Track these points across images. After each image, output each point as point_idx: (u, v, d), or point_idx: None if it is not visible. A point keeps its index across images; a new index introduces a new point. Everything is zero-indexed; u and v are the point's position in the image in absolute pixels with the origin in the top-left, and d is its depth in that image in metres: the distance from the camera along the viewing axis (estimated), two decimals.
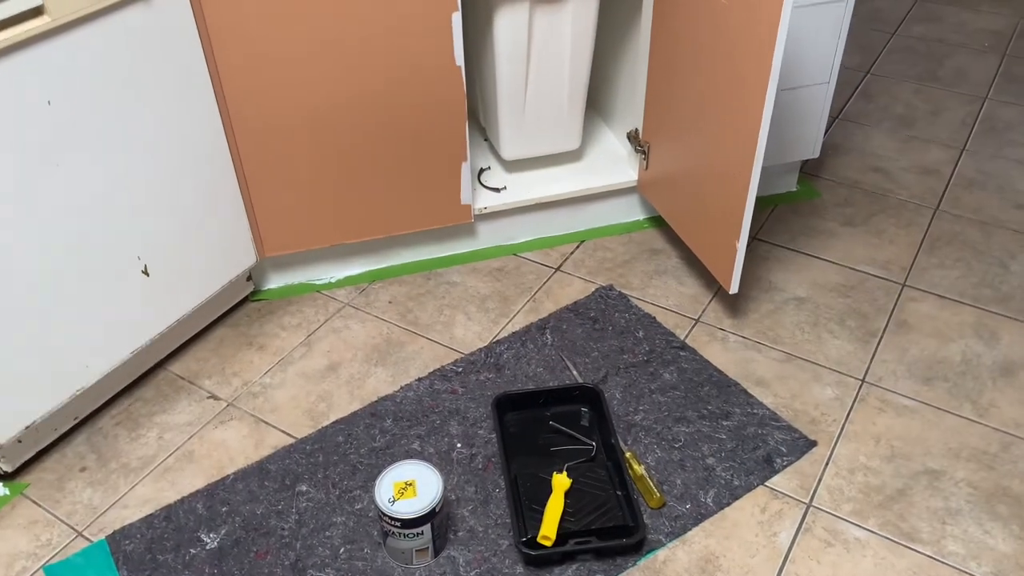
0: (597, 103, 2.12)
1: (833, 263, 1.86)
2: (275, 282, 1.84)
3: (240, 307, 1.79)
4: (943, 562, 1.31)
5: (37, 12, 1.21)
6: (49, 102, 1.26)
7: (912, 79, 2.50)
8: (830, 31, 1.75)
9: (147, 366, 1.64)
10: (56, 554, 1.35)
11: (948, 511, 1.38)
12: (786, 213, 2.01)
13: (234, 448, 1.50)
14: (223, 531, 1.36)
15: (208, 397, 1.60)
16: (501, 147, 1.87)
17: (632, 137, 1.89)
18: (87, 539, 1.37)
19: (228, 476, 1.45)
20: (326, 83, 1.56)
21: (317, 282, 1.85)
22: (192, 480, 1.45)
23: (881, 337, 1.69)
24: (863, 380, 1.60)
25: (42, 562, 1.34)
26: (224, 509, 1.40)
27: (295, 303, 1.80)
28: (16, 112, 1.23)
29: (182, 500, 1.41)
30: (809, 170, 2.13)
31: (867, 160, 2.17)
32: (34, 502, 1.43)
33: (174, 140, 1.47)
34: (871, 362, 1.63)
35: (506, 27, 1.68)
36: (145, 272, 1.50)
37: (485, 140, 2.04)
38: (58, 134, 1.29)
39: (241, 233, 1.66)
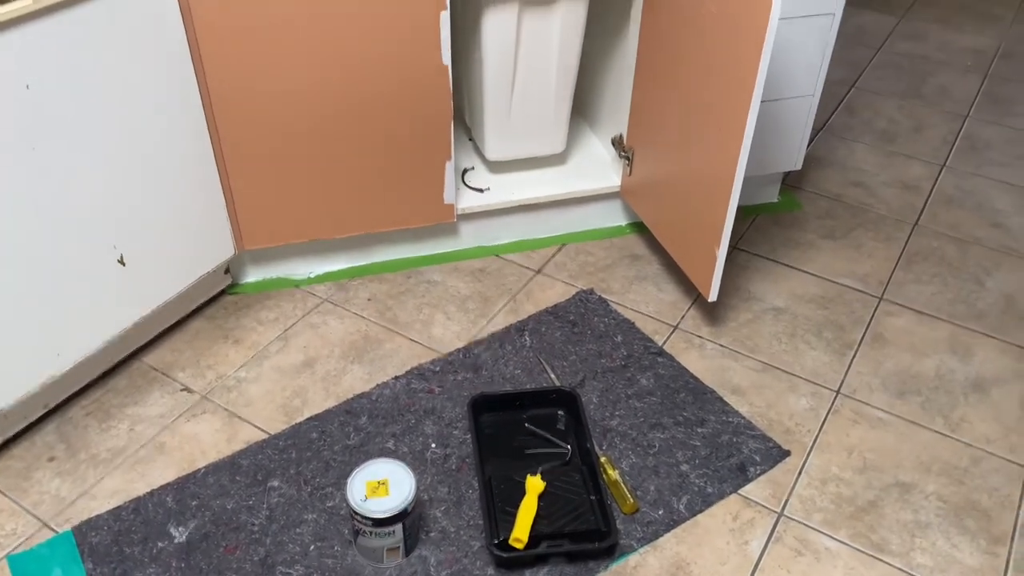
0: (583, 108, 2.12)
1: (812, 275, 1.87)
2: (253, 276, 1.82)
3: (217, 300, 1.77)
4: (911, 574, 1.32)
5: None
6: (27, 86, 1.25)
7: (896, 95, 2.52)
8: (816, 44, 1.76)
9: (120, 356, 1.62)
10: (21, 544, 1.33)
11: (918, 524, 1.39)
12: (767, 224, 2.02)
13: (206, 442, 1.49)
14: (192, 525, 1.35)
15: (181, 389, 1.58)
16: (486, 148, 1.87)
17: (616, 142, 1.89)
18: (53, 530, 1.35)
19: (199, 470, 1.43)
20: (311, 77, 1.55)
21: (296, 277, 1.84)
22: (162, 473, 1.43)
23: (857, 350, 1.70)
24: (838, 392, 1.61)
25: (6, 552, 1.32)
26: (194, 503, 1.38)
27: (273, 297, 1.79)
28: None
29: (151, 493, 1.40)
30: (791, 182, 2.15)
31: (849, 174, 2.19)
32: (0, 491, 1.41)
33: (154, 129, 1.45)
34: (846, 374, 1.64)
35: (494, 28, 1.67)
36: (121, 261, 1.48)
37: (470, 140, 2.04)
38: (35, 118, 1.27)
39: (220, 225, 1.65)
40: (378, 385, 1.59)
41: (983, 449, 1.51)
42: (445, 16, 1.55)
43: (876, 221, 2.03)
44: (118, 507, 1.37)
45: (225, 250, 1.68)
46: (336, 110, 1.60)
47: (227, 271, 1.78)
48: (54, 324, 1.41)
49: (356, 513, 1.25)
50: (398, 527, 1.26)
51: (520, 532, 1.31)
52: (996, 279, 1.88)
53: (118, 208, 1.44)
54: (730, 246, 1.94)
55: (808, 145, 1.94)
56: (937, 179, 2.18)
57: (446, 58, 1.60)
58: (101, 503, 1.39)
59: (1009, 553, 1.35)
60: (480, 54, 1.72)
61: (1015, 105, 2.49)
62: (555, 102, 1.82)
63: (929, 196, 2.12)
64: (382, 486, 1.27)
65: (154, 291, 1.57)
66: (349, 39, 1.53)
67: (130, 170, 1.44)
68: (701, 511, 1.39)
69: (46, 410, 1.52)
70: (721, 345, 1.70)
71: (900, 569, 1.33)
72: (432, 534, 1.35)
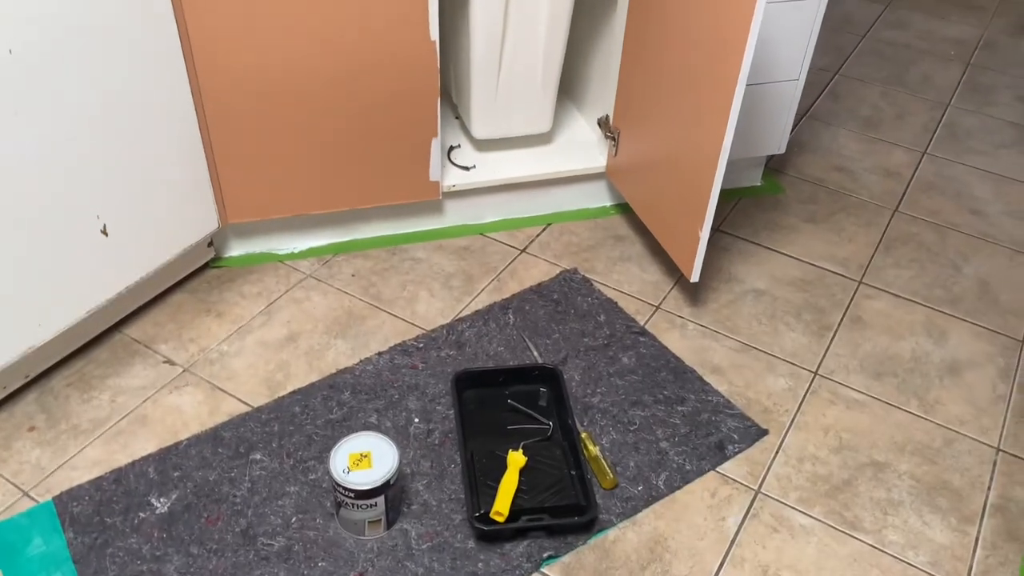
0: (569, 89, 2.12)
1: (793, 258, 1.89)
2: (237, 250, 1.82)
3: (200, 273, 1.77)
4: (883, 551, 1.35)
5: None
6: (10, 51, 1.23)
7: (879, 82, 2.54)
8: (802, 28, 1.77)
9: (102, 328, 1.61)
10: (1, 513, 1.33)
11: (890, 502, 1.42)
12: (749, 207, 2.04)
13: (188, 414, 1.49)
14: (174, 496, 1.35)
15: (164, 362, 1.58)
16: (472, 126, 1.87)
17: (603, 123, 1.90)
18: (33, 499, 1.35)
19: (181, 442, 1.43)
20: (298, 49, 1.54)
21: (279, 252, 1.83)
22: (144, 444, 1.43)
23: (835, 332, 1.72)
24: (816, 373, 1.63)
25: None
26: (176, 474, 1.38)
27: (256, 272, 1.78)
28: None
29: (133, 464, 1.40)
30: (774, 166, 2.17)
31: (831, 159, 2.21)
32: None
33: (139, 98, 1.44)
34: (824, 355, 1.67)
35: (483, 5, 1.67)
36: (104, 232, 1.47)
37: (456, 118, 2.04)
38: (17, 84, 1.26)
39: (204, 198, 1.64)
40: (361, 360, 1.59)
41: (956, 430, 1.54)
42: None
43: (857, 206, 2.06)
44: (99, 477, 1.37)
45: (209, 223, 1.67)
46: (322, 85, 1.59)
47: (210, 244, 1.77)
48: (36, 294, 1.40)
49: (339, 485, 1.26)
50: (380, 499, 1.27)
51: (501, 506, 1.32)
52: (973, 265, 1.91)
53: (102, 178, 1.43)
54: (713, 228, 1.95)
55: (792, 130, 1.96)
56: (918, 166, 2.21)
57: (434, 33, 1.60)
58: (82, 473, 1.38)
59: (978, 532, 1.38)
60: (468, 30, 1.72)
61: (995, 95, 2.52)
62: (542, 81, 1.82)
63: (910, 182, 2.15)
64: (365, 458, 1.28)
65: (137, 263, 1.56)
66: (336, 12, 1.52)
67: (114, 140, 1.43)
68: (679, 487, 1.41)
69: (27, 380, 1.51)
70: (702, 325, 1.71)
71: (872, 546, 1.35)
72: (414, 507, 1.36)
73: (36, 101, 1.29)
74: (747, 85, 1.81)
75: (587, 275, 1.81)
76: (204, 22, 1.46)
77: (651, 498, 1.39)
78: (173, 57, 1.46)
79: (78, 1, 1.29)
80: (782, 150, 1.97)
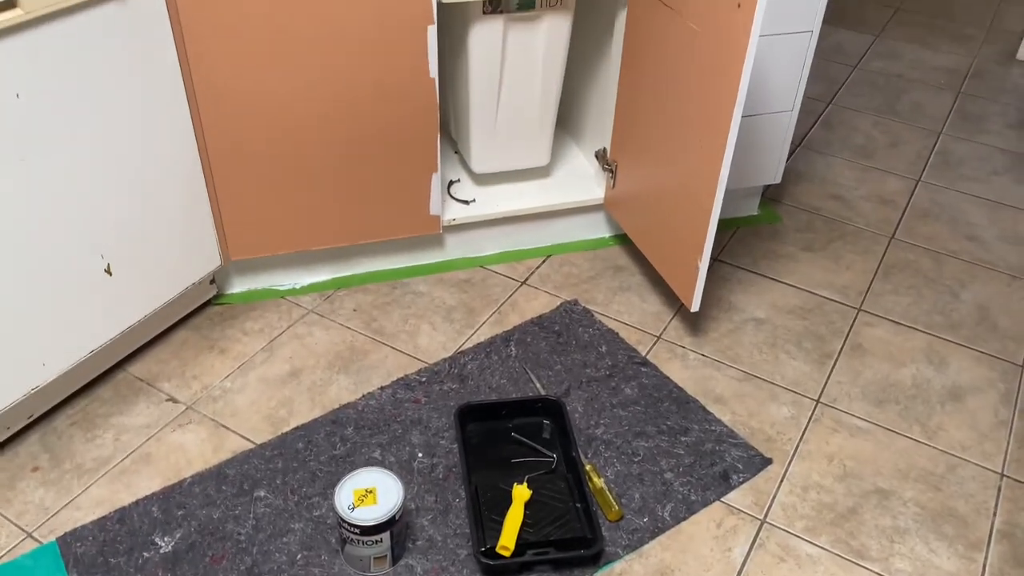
0: (567, 122, 2.15)
1: (792, 286, 1.91)
2: (239, 286, 1.83)
3: (202, 310, 1.77)
4: None
5: (10, 5, 1.20)
6: (18, 95, 1.25)
7: (871, 111, 2.57)
8: (794, 60, 1.80)
9: (106, 366, 1.61)
10: (4, 555, 1.32)
11: (896, 530, 1.42)
12: (747, 236, 2.05)
13: (192, 452, 1.48)
14: (178, 535, 1.35)
15: (167, 400, 1.58)
16: (471, 160, 1.89)
17: (600, 156, 1.92)
18: (37, 540, 1.34)
19: (185, 480, 1.43)
20: (299, 88, 1.56)
21: (281, 288, 1.84)
22: (148, 483, 1.43)
23: (836, 359, 1.73)
24: (818, 401, 1.64)
25: None
26: (180, 513, 1.38)
27: (258, 308, 1.79)
28: None
29: (137, 503, 1.39)
30: (771, 195, 2.19)
31: (827, 188, 2.23)
32: None
33: (143, 139, 1.46)
34: (826, 383, 1.67)
35: (480, 42, 1.70)
36: (108, 271, 1.48)
37: (456, 152, 2.06)
38: (25, 128, 1.28)
39: (207, 236, 1.65)
40: (364, 395, 1.60)
41: (959, 456, 1.54)
42: (432, 30, 1.57)
43: (854, 234, 2.07)
44: (103, 517, 1.37)
45: (211, 261, 1.68)
46: (323, 122, 1.62)
47: (212, 281, 1.78)
48: (40, 334, 1.41)
49: (344, 521, 1.25)
50: (385, 535, 1.27)
51: (507, 540, 1.32)
52: (971, 291, 1.92)
53: (106, 218, 1.45)
54: (712, 258, 1.97)
55: (787, 159, 1.98)
56: (913, 193, 2.23)
57: (433, 71, 1.62)
58: (86, 513, 1.38)
59: (985, 558, 1.38)
60: (466, 68, 1.74)
61: (986, 122, 2.55)
62: (540, 116, 1.85)
63: (905, 210, 2.17)
64: (370, 494, 1.28)
65: (140, 301, 1.57)
66: (337, 52, 1.55)
67: (118, 181, 1.44)
68: (685, 518, 1.41)
69: (30, 420, 1.51)
70: (703, 355, 1.72)
71: (879, 574, 1.35)
72: (419, 543, 1.35)
73: (42, 143, 1.31)
74: (742, 116, 1.84)
75: (588, 306, 1.82)
76: (206, 61, 1.49)
77: (657, 529, 1.39)
78: (176, 97, 1.48)
79: (83, 45, 1.31)
80: (778, 180, 1.99)
